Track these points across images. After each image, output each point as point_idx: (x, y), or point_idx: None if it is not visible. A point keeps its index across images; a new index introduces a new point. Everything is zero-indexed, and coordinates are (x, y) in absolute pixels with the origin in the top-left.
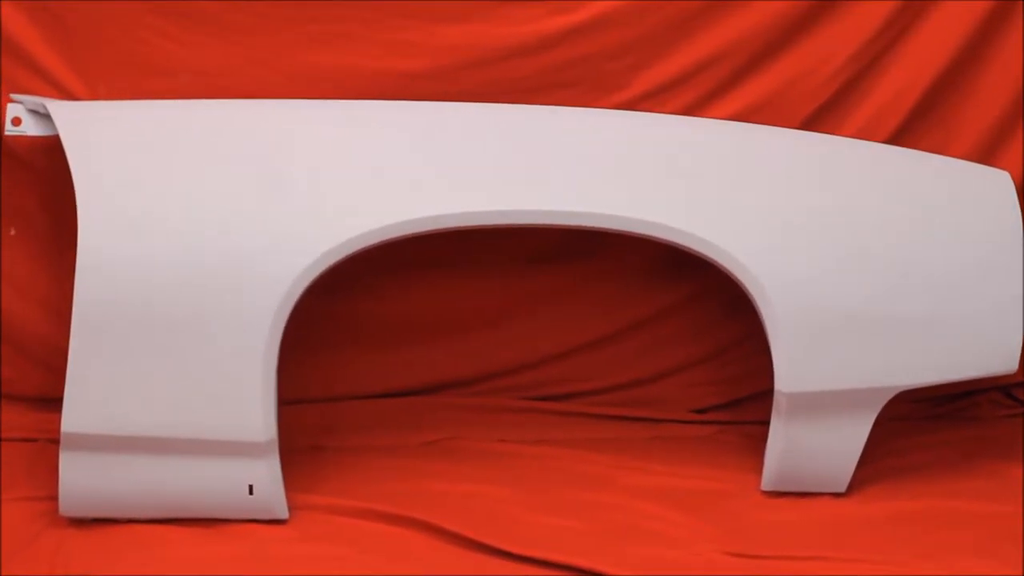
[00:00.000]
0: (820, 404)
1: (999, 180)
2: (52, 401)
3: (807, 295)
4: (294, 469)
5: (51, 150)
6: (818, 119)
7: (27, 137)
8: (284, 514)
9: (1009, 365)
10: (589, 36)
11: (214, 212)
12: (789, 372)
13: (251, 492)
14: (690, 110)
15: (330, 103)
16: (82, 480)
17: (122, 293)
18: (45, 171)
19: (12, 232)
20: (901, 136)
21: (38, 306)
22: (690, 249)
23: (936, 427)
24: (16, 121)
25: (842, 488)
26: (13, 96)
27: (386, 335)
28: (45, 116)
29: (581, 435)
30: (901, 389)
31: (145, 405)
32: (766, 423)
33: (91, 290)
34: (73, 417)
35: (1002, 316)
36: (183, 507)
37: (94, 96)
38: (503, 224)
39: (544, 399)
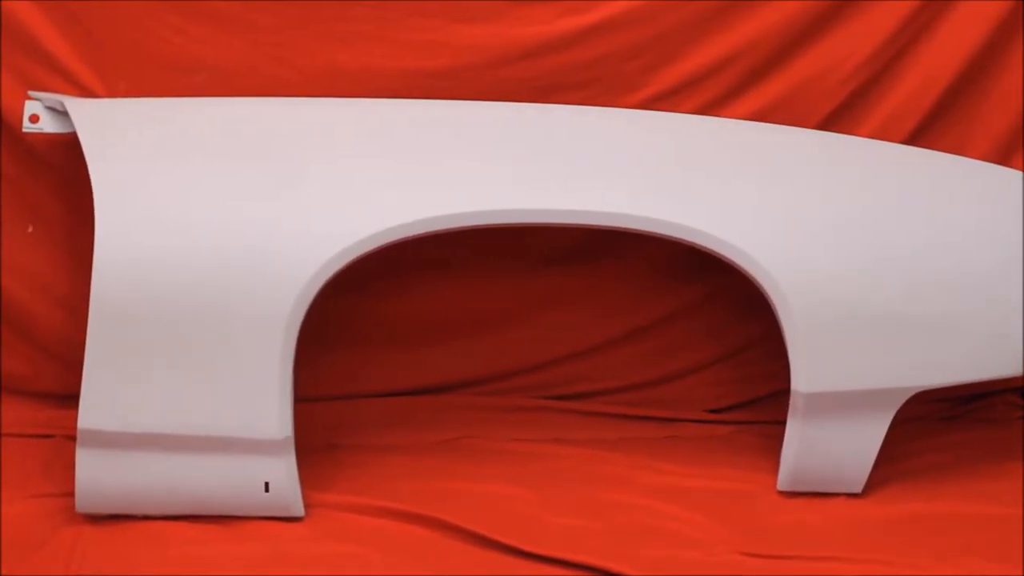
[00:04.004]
0: (837, 404)
1: (1016, 181)
2: (69, 398)
3: (824, 295)
4: (310, 467)
5: (69, 147)
6: (835, 119)
7: (45, 134)
8: (300, 512)
9: None
10: (606, 36)
11: (231, 210)
12: (806, 372)
13: (267, 489)
14: (706, 110)
15: (347, 101)
16: (98, 477)
17: (139, 290)
18: (63, 168)
19: (30, 229)
20: (918, 136)
21: (55, 303)
22: (707, 249)
23: (952, 428)
24: (34, 118)
25: (858, 489)
26: (31, 93)
27: (402, 333)
28: (63, 113)
29: (597, 435)
30: (918, 390)
31: (161, 402)
32: (782, 423)
33: (108, 287)
34: (89, 414)
35: (1019, 317)
36: (199, 504)
37: (113, 94)
38: (520, 223)
39: (560, 398)
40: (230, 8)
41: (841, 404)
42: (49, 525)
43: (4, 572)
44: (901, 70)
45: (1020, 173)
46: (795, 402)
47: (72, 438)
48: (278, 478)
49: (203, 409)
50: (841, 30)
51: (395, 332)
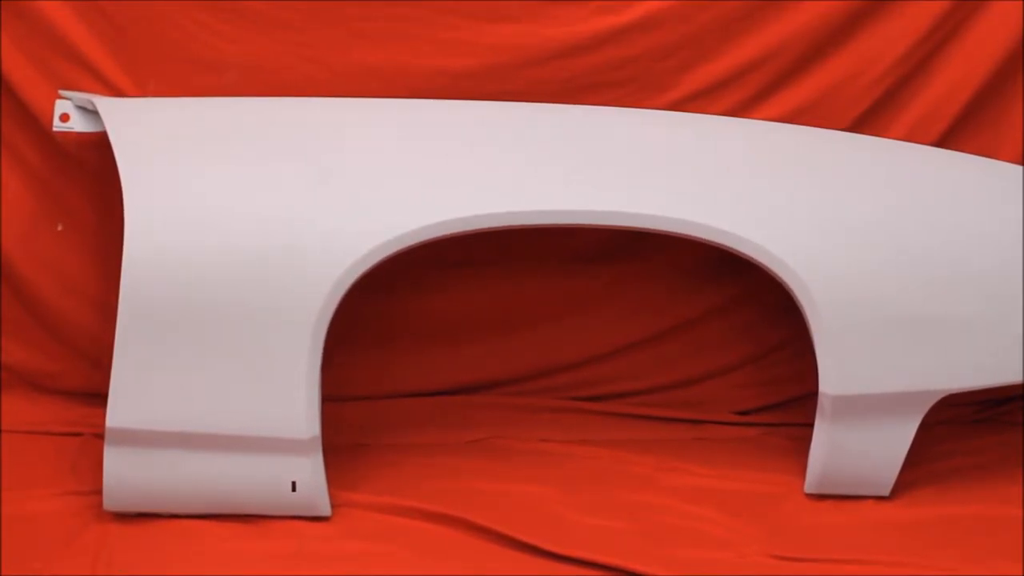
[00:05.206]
0: (865, 407)
1: None
2: (97, 396)
3: (853, 297)
4: (337, 466)
5: (100, 146)
6: (865, 121)
7: (75, 133)
8: (327, 511)
9: None
10: (637, 36)
11: (260, 209)
12: (834, 374)
13: (294, 489)
14: (738, 111)
15: (376, 101)
16: (126, 475)
17: (168, 289)
18: (93, 167)
19: (59, 227)
20: (948, 139)
21: (84, 301)
22: (735, 250)
23: (981, 432)
24: (64, 117)
25: (886, 491)
26: (62, 92)
27: (430, 333)
28: (93, 112)
29: (624, 435)
30: (947, 393)
31: (189, 401)
32: (810, 425)
33: (137, 286)
34: (118, 412)
35: None
36: (226, 503)
37: (143, 93)
38: (549, 224)
39: (587, 399)
40: (260, 7)
41: (869, 407)
42: (76, 523)
43: (32, 569)
44: (932, 72)
45: None
46: (823, 404)
47: (100, 436)
48: (305, 477)
49: (230, 408)
50: (872, 31)
51: (423, 332)
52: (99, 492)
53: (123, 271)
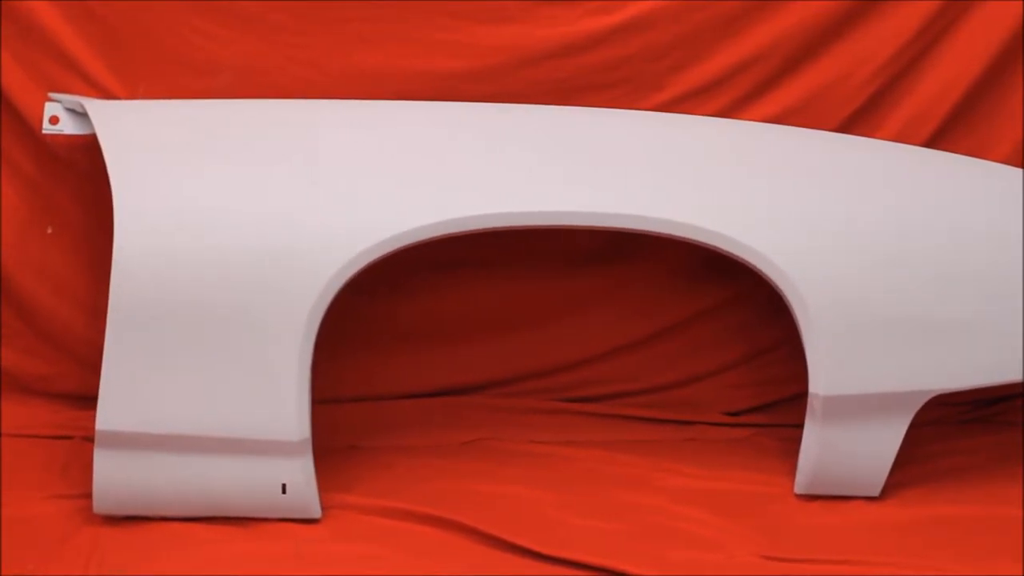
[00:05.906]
0: (855, 407)
1: None
2: (87, 399)
3: (843, 298)
4: (328, 469)
5: (89, 149)
6: (856, 121)
7: (65, 136)
8: (317, 513)
9: None
10: (629, 37)
11: (250, 211)
12: (824, 375)
13: (284, 491)
14: (728, 111)
15: (368, 103)
16: (116, 478)
17: (157, 291)
18: (82, 170)
19: (49, 230)
20: (939, 139)
21: (74, 304)
22: (726, 252)
23: (970, 432)
24: (54, 120)
25: (876, 492)
26: (51, 95)
27: (422, 335)
28: (83, 115)
29: (616, 437)
30: (937, 393)
31: (179, 403)
32: (801, 426)
33: (126, 288)
34: (107, 415)
35: None
36: (216, 505)
37: (132, 96)
38: (541, 225)
39: (580, 400)
40: (253, 9)
41: (859, 407)
42: (67, 526)
43: (23, 572)
44: (922, 72)
45: None
46: (813, 405)
47: (90, 439)
48: (295, 480)
49: (221, 410)
50: (862, 32)
51: (415, 334)
52: (89, 495)
53: (112, 273)
